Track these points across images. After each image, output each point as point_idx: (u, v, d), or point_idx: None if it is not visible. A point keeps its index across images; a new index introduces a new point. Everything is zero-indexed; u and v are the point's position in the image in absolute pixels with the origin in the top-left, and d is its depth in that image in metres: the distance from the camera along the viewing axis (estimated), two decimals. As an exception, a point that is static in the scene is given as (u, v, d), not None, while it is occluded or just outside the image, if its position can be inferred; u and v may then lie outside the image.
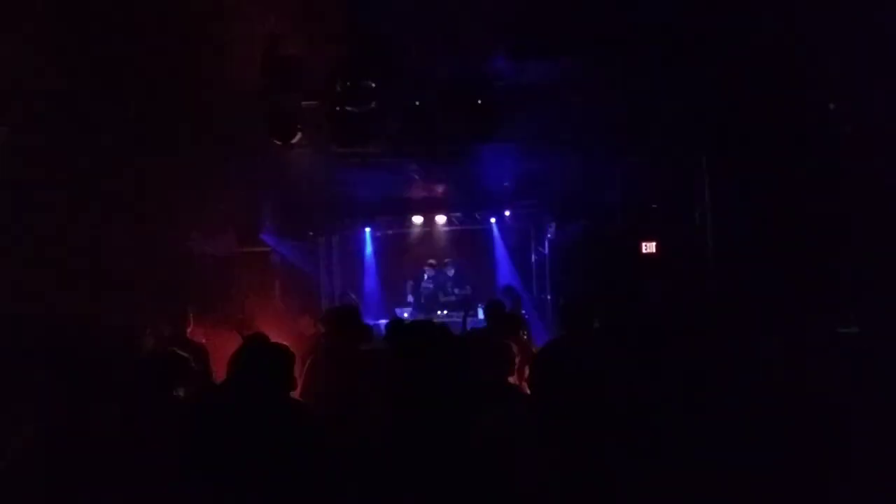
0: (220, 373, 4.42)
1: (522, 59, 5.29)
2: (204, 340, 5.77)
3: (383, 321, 9.41)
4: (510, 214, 12.72)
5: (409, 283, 12.41)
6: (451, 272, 12.34)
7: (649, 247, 8.71)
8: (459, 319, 10.31)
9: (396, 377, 3.43)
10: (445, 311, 11.74)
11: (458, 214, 12.60)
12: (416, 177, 8.88)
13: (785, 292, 5.24)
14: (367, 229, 12.90)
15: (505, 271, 12.94)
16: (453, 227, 12.82)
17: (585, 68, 5.48)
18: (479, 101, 5.49)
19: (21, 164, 5.08)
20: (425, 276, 12.34)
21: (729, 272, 6.18)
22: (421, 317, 10.52)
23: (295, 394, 3.60)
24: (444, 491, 2.92)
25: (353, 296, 11.02)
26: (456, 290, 12.16)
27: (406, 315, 10.84)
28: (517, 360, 4.07)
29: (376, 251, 13.07)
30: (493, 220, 12.74)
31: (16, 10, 4.16)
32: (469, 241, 13.10)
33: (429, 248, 12.77)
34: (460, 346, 4.07)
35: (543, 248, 12.88)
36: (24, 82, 4.54)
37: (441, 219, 12.39)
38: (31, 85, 4.64)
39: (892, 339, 3.79)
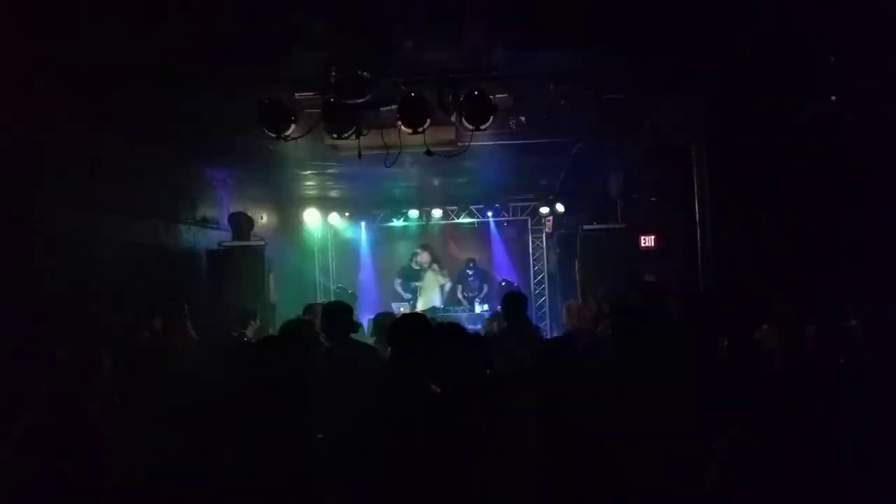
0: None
1: (519, 51, 5.21)
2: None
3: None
4: (507, 208, 12.67)
5: (398, 281, 12.40)
6: (470, 271, 12.35)
7: (648, 240, 8.66)
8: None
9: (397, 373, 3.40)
10: (443, 307, 11.73)
11: (454, 208, 12.53)
12: (412, 170, 8.80)
13: (785, 289, 5.19)
14: (363, 223, 12.83)
15: (502, 266, 12.91)
16: (450, 222, 12.75)
17: (584, 61, 5.41)
18: (476, 93, 5.41)
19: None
20: (423, 272, 12.32)
21: (728, 267, 6.13)
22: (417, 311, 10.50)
23: None
24: (442, 486, 2.88)
25: (350, 290, 11.01)
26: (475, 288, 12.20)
27: (402, 310, 10.83)
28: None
29: (371, 245, 13.01)
30: (490, 213, 12.69)
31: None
32: (466, 236, 13.06)
33: (425, 243, 12.71)
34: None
35: (541, 242, 12.84)
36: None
37: (437, 213, 12.31)
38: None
39: (892, 337, 3.74)
